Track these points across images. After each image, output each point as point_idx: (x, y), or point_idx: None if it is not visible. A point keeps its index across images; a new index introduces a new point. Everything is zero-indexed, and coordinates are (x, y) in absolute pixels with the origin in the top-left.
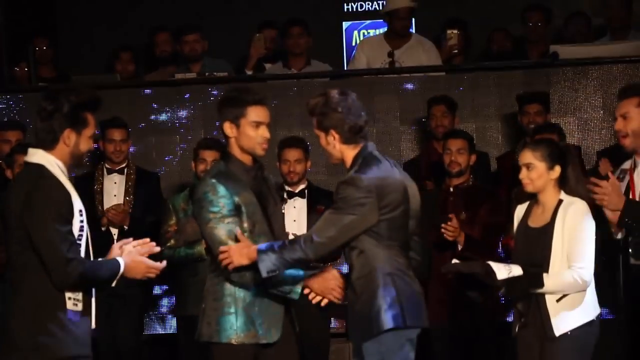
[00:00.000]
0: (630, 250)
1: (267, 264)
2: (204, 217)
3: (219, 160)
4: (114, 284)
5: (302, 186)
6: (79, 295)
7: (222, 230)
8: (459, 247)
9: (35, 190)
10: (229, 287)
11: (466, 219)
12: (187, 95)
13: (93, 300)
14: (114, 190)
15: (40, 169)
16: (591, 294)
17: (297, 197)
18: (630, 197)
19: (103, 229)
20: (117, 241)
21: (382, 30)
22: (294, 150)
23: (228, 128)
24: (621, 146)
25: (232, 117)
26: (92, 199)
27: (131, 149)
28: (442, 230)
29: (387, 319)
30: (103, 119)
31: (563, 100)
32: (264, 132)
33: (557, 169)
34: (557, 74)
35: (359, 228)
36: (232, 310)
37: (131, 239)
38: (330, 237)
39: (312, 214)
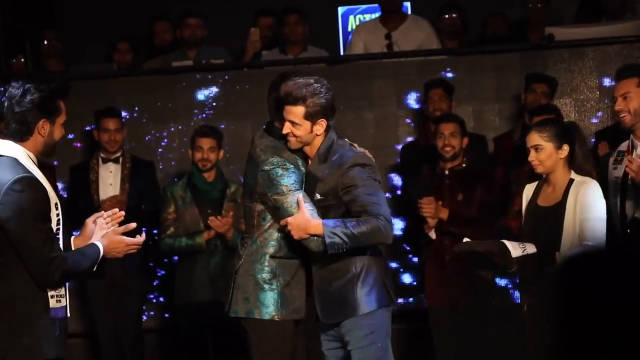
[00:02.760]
0: (629, 230)
1: (336, 241)
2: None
3: None
4: (94, 269)
5: None
6: (62, 291)
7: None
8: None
9: (11, 188)
10: (270, 263)
11: (463, 201)
12: (184, 83)
13: (67, 290)
14: (110, 179)
15: (12, 164)
16: None
17: None
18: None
19: None
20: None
21: (377, 15)
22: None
23: None
24: (620, 125)
25: None
26: (88, 189)
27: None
28: (419, 207)
29: (372, 301)
30: (98, 109)
31: (560, 82)
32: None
33: (566, 148)
34: (553, 56)
35: None
36: (275, 286)
37: (102, 212)
38: (386, 211)
39: None
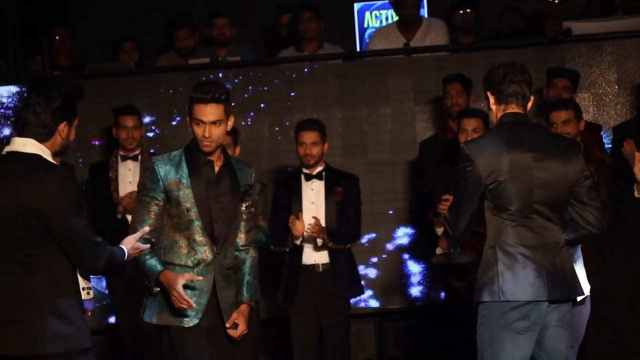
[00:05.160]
0: None
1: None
2: None
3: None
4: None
5: (319, 168)
6: (90, 284)
7: None
8: None
9: (49, 181)
10: None
11: None
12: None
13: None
14: (129, 177)
15: (40, 159)
16: (581, 272)
17: (314, 180)
18: None
19: (119, 216)
20: None
21: (391, 12)
22: (310, 132)
23: None
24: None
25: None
26: (107, 187)
27: (150, 135)
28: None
29: (484, 292)
30: (116, 107)
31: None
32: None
33: None
34: (570, 50)
35: (473, 197)
36: (154, 291)
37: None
38: (455, 211)
39: (330, 195)
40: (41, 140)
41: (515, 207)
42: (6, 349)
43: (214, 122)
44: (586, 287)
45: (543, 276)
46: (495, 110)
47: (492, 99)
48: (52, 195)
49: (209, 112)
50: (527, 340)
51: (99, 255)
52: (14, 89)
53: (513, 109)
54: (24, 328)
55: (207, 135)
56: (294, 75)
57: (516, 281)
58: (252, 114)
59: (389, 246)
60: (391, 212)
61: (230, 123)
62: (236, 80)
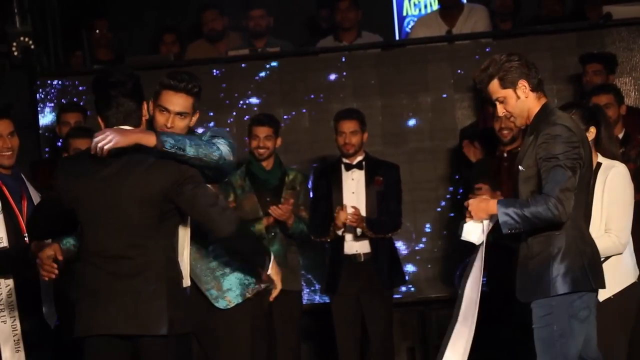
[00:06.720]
0: None
1: (509, 221)
2: None
3: None
4: None
5: (359, 158)
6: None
7: None
8: None
9: (182, 167)
10: None
11: None
12: (241, 72)
13: None
14: None
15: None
16: (630, 257)
17: (354, 169)
18: None
19: None
20: None
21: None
22: (349, 121)
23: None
24: None
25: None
26: None
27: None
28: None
29: (563, 284)
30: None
31: (619, 61)
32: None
33: (593, 130)
34: (611, 34)
35: (577, 172)
36: None
37: None
38: (566, 192)
39: (371, 185)
40: (136, 124)
41: (583, 195)
42: (126, 328)
43: (179, 114)
44: (635, 272)
45: (601, 265)
46: (532, 98)
47: (528, 87)
48: (180, 173)
49: (177, 101)
50: (587, 327)
51: (232, 217)
52: (56, 83)
53: (544, 97)
54: (144, 308)
55: (169, 125)
56: (332, 65)
57: (584, 272)
58: (291, 104)
59: (431, 234)
60: (432, 200)
61: (194, 119)
62: (275, 71)
